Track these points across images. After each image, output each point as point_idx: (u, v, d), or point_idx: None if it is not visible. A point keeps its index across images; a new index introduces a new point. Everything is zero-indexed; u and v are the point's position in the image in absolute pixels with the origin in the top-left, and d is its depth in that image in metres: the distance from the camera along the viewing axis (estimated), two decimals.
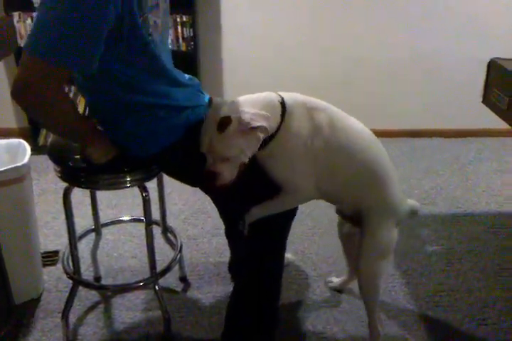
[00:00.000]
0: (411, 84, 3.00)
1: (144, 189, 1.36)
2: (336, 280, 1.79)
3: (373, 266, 1.39)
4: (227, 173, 1.15)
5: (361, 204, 1.35)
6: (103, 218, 1.81)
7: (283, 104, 1.21)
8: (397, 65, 2.94)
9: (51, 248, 2.02)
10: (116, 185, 1.34)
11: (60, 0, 1.00)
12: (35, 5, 2.55)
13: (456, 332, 1.61)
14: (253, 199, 1.29)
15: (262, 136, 1.15)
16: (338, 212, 1.50)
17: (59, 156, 1.35)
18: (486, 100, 1.89)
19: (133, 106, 1.23)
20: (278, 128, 1.20)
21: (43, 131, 2.88)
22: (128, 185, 1.33)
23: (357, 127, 1.31)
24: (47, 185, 2.48)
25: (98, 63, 1.09)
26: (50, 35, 1.02)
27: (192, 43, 2.70)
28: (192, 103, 1.28)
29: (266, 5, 2.82)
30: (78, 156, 1.30)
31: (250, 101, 1.19)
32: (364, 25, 2.87)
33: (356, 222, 1.41)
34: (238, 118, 1.11)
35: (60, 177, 1.36)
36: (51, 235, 2.12)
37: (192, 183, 1.37)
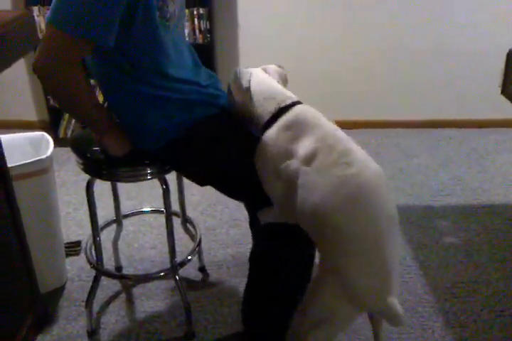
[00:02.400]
0: (431, 75, 2.96)
1: (163, 181, 1.38)
2: None
3: (301, 330, 1.18)
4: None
5: (321, 254, 1.14)
6: (123, 209, 1.85)
7: (282, 109, 1.17)
8: (417, 55, 2.90)
9: (73, 238, 2.06)
10: (136, 177, 1.36)
11: None
12: None
13: (474, 323, 1.61)
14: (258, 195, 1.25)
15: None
16: None
17: (82, 149, 1.38)
18: (506, 91, 1.86)
19: (134, 95, 1.24)
20: (266, 126, 1.18)
21: (63, 124, 2.93)
22: (148, 177, 1.36)
23: (348, 171, 1.05)
24: (67, 176, 2.53)
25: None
26: (71, 8, 1.06)
27: (208, 36, 2.70)
28: (198, 98, 1.28)
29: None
30: (97, 148, 1.32)
31: (275, 85, 1.24)
32: (384, 14, 2.83)
33: None
34: (246, 81, 1.22)
35: (83, 170, 1.39)
36: (73, 226, 2.17)
37: (198, 180, 1.36)
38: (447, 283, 1.79)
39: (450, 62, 2.92)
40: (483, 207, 2.27)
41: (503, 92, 1.87)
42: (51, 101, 2.86)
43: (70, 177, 2.52)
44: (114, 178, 1.41)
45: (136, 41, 1.16)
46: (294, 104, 1.19)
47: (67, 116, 2.93)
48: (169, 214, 1.44)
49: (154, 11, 1.13)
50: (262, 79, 1.24)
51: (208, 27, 2.68)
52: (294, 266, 1.32)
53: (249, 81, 1.21)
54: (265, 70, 1.29)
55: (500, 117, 2.99)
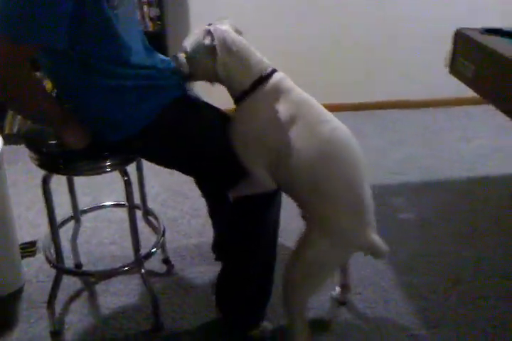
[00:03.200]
0: (379, 57, 3.03)
1: (125, 172, 1.35)
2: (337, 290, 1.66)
3: (293, 280, 1.30)
4: (183, 60, 1.24)
5: (307, 211, 1.29)
6: (80, 205, 1.79)
7: (264, 77, 1.19)
8: (365, 39, 2.96)
9: (27, 239, 1.98)
10: (96, 170, 1.32)
11: None
12: None
13: (433, 293, 1.69)
14: (234, 175, 1.29)
15: (217, 60, 1.17)
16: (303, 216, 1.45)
17: (37, 143, 1.31)
18: (453, 70, 1.93)
19: (97, 89, 1.20)
20: (244, 95, 1.20)
21: (8, 119, 2.78)
22: (109, 170, 1.31)
23: (325, 132, 1.20)
24: (16, 176, 2.42)
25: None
26: (14, 12, 1.00)
27: (159, 23, 2.63)
28: (163, 83, 1.26)
29: None
30: (53, 142, 1.27)
31: (249, 47, 1.22)
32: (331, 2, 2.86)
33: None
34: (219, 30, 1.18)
35: (39, 165, 1.33)
36: (26, 226, 2.08)
37: (167, 165, 1.36)
38: (405, 257, 1.86)
39: (398, 45, 3.00)
40: (435, 183, 2.36)
41: (452, 71, 1.93)
42: None
43: (18, 177, 2.41)
44: (72, 172, 1.36)
45: (89, 35, 1.12)
46: (273, 71, 1.22)
47: (11, 111, 2.79)
48: (132, 207, 1.41)
49: (104, 3, 1.09)
50: (239, 42, 1.21)
51: (158, 14, 2.61)
52: (267, 236, 1.39)
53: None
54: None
55: (445, 96, 3.11)
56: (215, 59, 1.17)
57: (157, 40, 2.59)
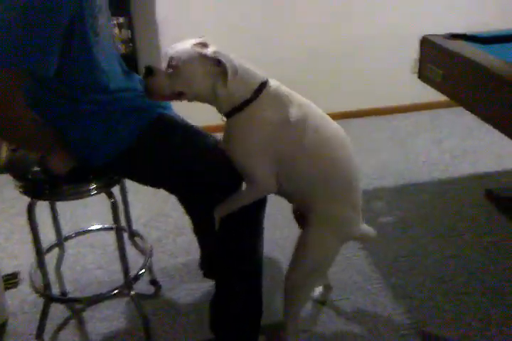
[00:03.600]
0: (342, 66, 3.10)
1: (110, 194, 1.36)
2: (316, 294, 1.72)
3: (299, 277, 1.36)
4: (162, 81, 1.17)
5: (310, 210, 1.33)
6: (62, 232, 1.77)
7: (262, 84, 1.22)
8: (327, 47, 3.03)
9: (8, 271, 1.94)
10: (82, 194, 1.32)
11: (15, 4, 1.00)
12: None
13: (420, 293, 1.72)
14: (219, 192, 1.31)
15: (219, 77, 1.16)
16: (294, 212, 1.49)
17: (20, 171, 1.32)
18: (422, 75, 1.99)
19: (77, 115, 1.22)
20: (245, 105, 1.21)
21: None
22: (94, 193, 1.32)
23: (333, 131, 1.29)
24: None
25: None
26: (7, 40, 1.02)
27: (131, 45, 2.66)
28: (138, 106, 1.28)
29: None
30: (37, 169, 1.27)
31: (233, 56, 1.20)
32: (299, 14, 2.94)
33: (302, 225, 1.40)
34: (211, 49, 1.17)
35: (23, 193, 1.33)
36: (6, 257, 2.04)
37: (152, 184, 1.37)
38: (390, 259, 1.90)
39: (361, 51, 3.08)
40: (411, 186, 2.43)
41: (420, 77, 2.00)
42: None
43: None
44: (57, 197, 1.35)
45: (71, 64, 1.13)
46: (267, 80, 1.25)
47: None
48: (119, 229, 1.41)
49: (89, 33, 1.11)
50: (239, 61, 1.21)
51: (130, 36, 2.64)
52: (255, 252, 1.41)
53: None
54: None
55: (414, 101, 3.22)
56: (218, 82, 1.17)
57: (129, 62, 2.61)
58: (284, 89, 1.26)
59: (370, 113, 3.24)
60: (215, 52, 1.16)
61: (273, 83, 1.25)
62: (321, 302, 1.69)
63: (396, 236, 2.04)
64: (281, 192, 1.33)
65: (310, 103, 1.29)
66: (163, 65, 1.18)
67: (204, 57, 1.16)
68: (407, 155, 2.75)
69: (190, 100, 1.25)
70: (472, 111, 1.69)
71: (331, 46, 3.04)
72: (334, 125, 1.31)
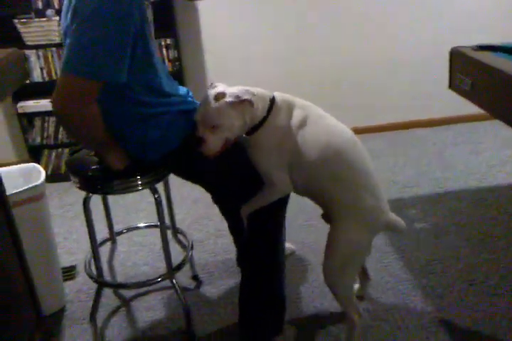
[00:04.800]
0: (381, 84, 3.21)
1: (155, 191, 1.51)
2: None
3: (335, 272, 1.42)
4: (213, 141, 1.31)
5: (332, 204, 1.40)
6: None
7: (272, 100, 1.36)
8: (364, 66, 3.16)
9: (66, 265, 2.14)
10: (129, 189, 1.48)
11: (89, 23, 1.18)
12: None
13: (450, 294, 1.76)
14: (246, 192, 1.43)
15: (249, 110, 1.29)
16: (323, 215, 1.55)
17: (76, 169, 1.52)
18: (453, 86, 2.07)
19: (135, 117, 1.39)
20: (263, 121, 1.35)
21: (43, 161, 3.03)
22: (140, 188, 1.48)
23: (336, 127, 1.38)
24: (52, 210, 2.61)
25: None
26: (82, 54, 1.19)
27: (177, 63, 2.89)
28: (190, 107, 1.44)
29: (244, 21, 3.03)
30: (95, 167, 1.46)
31: (243, 87, 1.33)
32: (340, 32, 3.09)
33: (330, 221, 1.46)
34: (231, 93, 1.29)
35: (79, 187, 1.52)
36: (64, 253, 2.24)
37: (195, 179, 1.51)
38: (422, 263, 1.94)
39: (396, 66, 3.18)
40: (447, 194, 2.46)
41: (450, 87, 2.08)
42: (30, 141, 2.98)
43: (54, 211, 2.61)
44: (109, 191, 1.51)
45: (136, 68, 1.29)
46: (273, 95, 1.37)
47: (46, 153, 3.04)
48: (162, 222, 1.56)
49: (148, 38, 1.28)
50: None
51: (176, 55, 2.87)
52: (279, 242, 1.53)
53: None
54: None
55: (453, 114, 3.25)
56: (247, 115, 1.30)
57: (176, 80, 2.84)
58: (287, 96, 1.38)
59: (410, 125, 3.30)
60: (234, 95, 1.28)
61: (277, 95, 1.37)
62: (359, 296, 1.73)
63: (429, 242, 2.08)
64: (301, 193, 1.44)
65: (311, 106, 1.40)
66: (201, 128, 1.32)
67: (231, 104, 1.29)
68: (444, 165, 2.79)
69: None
70: (501, 118, 1.74)
71: (370, 59, 3.16)
72: (333, 123, 1.39)
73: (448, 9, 3.10)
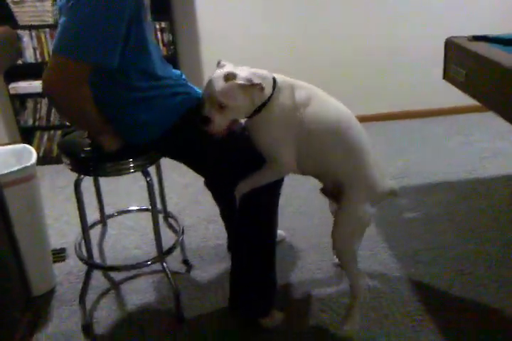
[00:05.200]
0: (376, 72, 3.20)
1: (146, 173, 1.51)
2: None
3: (345, 239, 1.49)
4: (219, 121, 1.32)
5: (340, 179, 1.45)
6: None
7: (274, 80, 1.38)
8: (361, 55, 3.15)
9: (57, 246, 2.14)
10: (121, 171, 1.48)
11: (83, 5, 1.16)
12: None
13: (437, 283, 1.79)
14: (241, 174, 1.44)
15: (258, 94, 1.31)
16: (322, 190, 1.61)
17: (69, 151, 1.50)
18: (447, 76, 2.07)
19: (128, 101, 1.38)
20: (268, 100, 1.36)
21: (35, 143, 3.00)
22: (132, 170, 1.48)
23: (336, 106, 1.44)
24: (43, 192, 2.58)
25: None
26: (73, 36, 1.18)
27: (172, 47, 2.86)
28: (183, 90, 1.43)
29: (242, 8, 2.98)
30: (88, 148, 1.45)
31: (250, 69, 1.36)
32: (328, 20, 3.07)
33: (336, 197, 1.51)
34: (242, 76, 1.30)
35: (71, 169, 1.51)
36: (55, 235, 2.23)
37: (187, 162, 1.51)
38: (410, 252, 1.96)
39: (391, 57, 3.16)
40: (438, 185, 2.48)
41: (445, 77, 2.08)
42: (22, 122, 2.95)
43: (45, 193, 2.59)
44: (100, 173, 1.50)
45: (129, 53, 1.28)
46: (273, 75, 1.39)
47: (38, 135, 3.02)
48: (154, 205, 1.56)
49: (144, 24, 1.27)
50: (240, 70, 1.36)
51: (171, 39, 2.83)
52: (273, 225, 1.56)
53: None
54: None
55: (447, 106, 3.26)
56: (255, 96, 1.32)
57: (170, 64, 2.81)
58: (289, 78, 1.42)
59: (403, 116, 3.31)
60: (246, 78, 1.30)
61: (277, 76, 1.40)
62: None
63: (419, 232, 2.10)
64: (307, 172, 1.47)
65: (312, 86, 1.44)
66: (208, 107, 1.33)
67: (242, 87, 1.30)
68: (436, 155, 2.80)
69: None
70: (493, 109, 1.75)
71: (365, 52, 3.14)
72: (335, 102, 1.45)
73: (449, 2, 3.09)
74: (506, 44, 1.78)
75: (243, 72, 1.32)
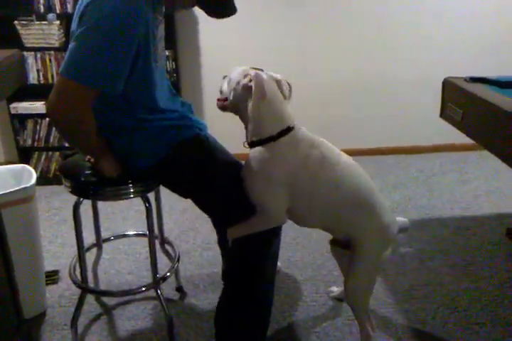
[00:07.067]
0: (374, 107, 3.28)
1: (146, 199, 1.52)
2: (336, 290, 1.90)
3: (361, 286, 1.49)
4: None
5: (354, 230, 1.45)
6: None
7: (291, 128, 1.38)
8: (359, 90, 3.23)
9: (50, 269, 2.11)
10: (121, 196, 1.48)
11: (93, 32, 1.20)
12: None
13: (432, 320, 1.78)
14: (233, 204, 1.43)
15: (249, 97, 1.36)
16: (332, 241, 1.62)
17: (70, 173, 1.51)
18: (444, 115, 2.13)
19: (127, 129, 1.41)
20: (270, 139, 1.37)
21: (33, 163, 3.00)
22: (131, 196, 1.48)
23: (347, 162, 1.44)
24: (39, 213, 2.59)
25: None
26: (80, 60, 1.21)
27: (175, 75, 2.94)
28: (183, 123, 1.45)
29: (243, 36, 3.08)
30: (89, 172, 1.46)
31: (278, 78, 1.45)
32: (328, 51, 3.17)
33: (348, 247, 1.50)
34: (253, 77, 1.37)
35: (71, 192, 1.51)
36: (49, 257, 2.22)
37: (183, 194, 1.50)
38: (405, 287, 1.97)
39: (390, 94, 3.25)
40: (433, 220, 2.50)
41: (442, 115, 2.14)
42: (21, 142, 2.96)
43: (40, 214, 2.56)
44: (100, 197, 1.52)
45: (134, 84, 1.31)
46: (295, 125, 1.41)
47: (36, 155, 3.02)
48: (151, 231, 1.56)
49: (151, 59, 1.31)
50: (273, 92, 1.39)
51: (174, 67, 2.92)
52: (265, 270, 1.49)
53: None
54: (277, 82, 1.44)
55: (442, 142, 3.33)
56: (249, 99, 1.36)
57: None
58: (307, 133, 1.42)
59: (399, 151, 3.37)
60: (255, 74, 1.35)
61: (299, 129, 1.41)
62: (339, 299, 1.86)
63: (414, 267, 2.11)
64: (314, 225, 1.48)
65: (327, 143, 1.44)
66: (226, 88, 1.45)
67: (245, 75, 1.37)
68: (431, 192, 2.84)
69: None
70: (489, 148, 1.80)
71: (358, 84, 3.23)
72: (347, 158, 1.46)
73: (445, 38, 3.20)
74: (503, 87, 1.85)
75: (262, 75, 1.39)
